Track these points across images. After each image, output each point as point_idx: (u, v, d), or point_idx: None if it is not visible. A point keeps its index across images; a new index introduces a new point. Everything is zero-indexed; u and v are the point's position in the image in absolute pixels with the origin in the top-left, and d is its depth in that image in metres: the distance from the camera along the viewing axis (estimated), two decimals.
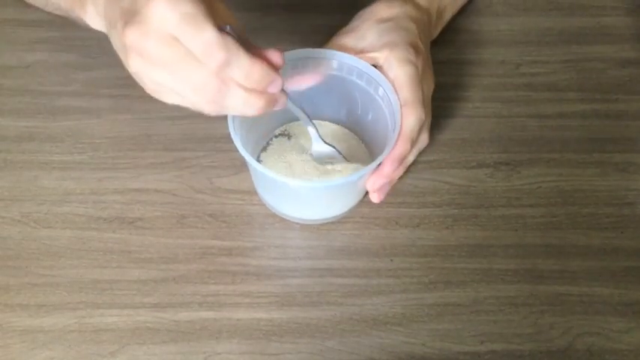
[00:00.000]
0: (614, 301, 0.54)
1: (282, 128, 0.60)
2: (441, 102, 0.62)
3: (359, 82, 0.55)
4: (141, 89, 0.62)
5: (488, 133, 0.62)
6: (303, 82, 0.55)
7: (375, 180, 0.53)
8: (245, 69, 0.41)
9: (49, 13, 0.63)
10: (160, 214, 0.57)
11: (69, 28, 0.66)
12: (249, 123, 0.53)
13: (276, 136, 0.59)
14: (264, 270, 0.55)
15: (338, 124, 0.60)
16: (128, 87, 0.63)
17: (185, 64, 0.41)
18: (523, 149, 0.61)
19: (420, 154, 0.59)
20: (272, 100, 0.44)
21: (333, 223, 0.57)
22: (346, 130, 0.60)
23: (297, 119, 0.57)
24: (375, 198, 0.54)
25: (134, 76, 0.44)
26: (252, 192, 0.58)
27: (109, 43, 0.65)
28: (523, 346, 0.52)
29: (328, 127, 0.60)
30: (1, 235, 0.55)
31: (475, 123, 0.62)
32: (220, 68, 0.41)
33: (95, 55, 0.65)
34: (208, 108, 0.43)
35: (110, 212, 0.57)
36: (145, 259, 0.55)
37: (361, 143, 0.60)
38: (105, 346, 0.51)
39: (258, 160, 0.58)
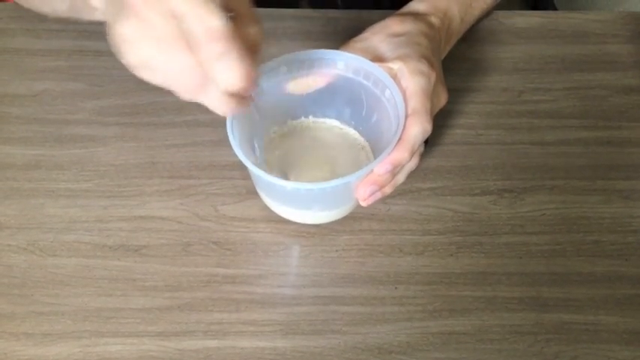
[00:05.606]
0: (619, 329, 0.54)
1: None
2: (444, 129, 0.63)
3: (365, 82, 0.55)
4: (147, 117, 0.64)
5: (491, 160, 0.62)
6: (310, 86, 0.55)
7: (365, 188, 0.51)
8: (234, 69, 0.40)
9: (56, 42, 0.64)
10: (164, 242, 0.57)
11: (76, 58, 0.67)
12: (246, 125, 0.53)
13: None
14: (268, 298, 0.55)
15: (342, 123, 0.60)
16: (134, 115, 0.64)
17: (178, 45, 0.40)
18: (526, 176, 0.61)
19: (424, 180, 0.60)
20: (244, 105, 0.44)
21: (337, 250, 0.57)
22: (352, 131, 0.60)
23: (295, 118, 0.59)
24: (363, 203, 0.53)
25: (120, 47, 0.42)
26: (257, 219, 0.58)
27: (116, 71, 0.66)
28: None
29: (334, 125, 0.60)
30: (7, 264, 0.56)
31: (478, 150, 0.63)
32: (214, 57, 0.40)
33: (102, 84, 0.65)
34: (184, 95, 0.43)
35: (115, 240, 0.57)
36: (150, 287, 0.55)
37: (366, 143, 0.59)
38: None
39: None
